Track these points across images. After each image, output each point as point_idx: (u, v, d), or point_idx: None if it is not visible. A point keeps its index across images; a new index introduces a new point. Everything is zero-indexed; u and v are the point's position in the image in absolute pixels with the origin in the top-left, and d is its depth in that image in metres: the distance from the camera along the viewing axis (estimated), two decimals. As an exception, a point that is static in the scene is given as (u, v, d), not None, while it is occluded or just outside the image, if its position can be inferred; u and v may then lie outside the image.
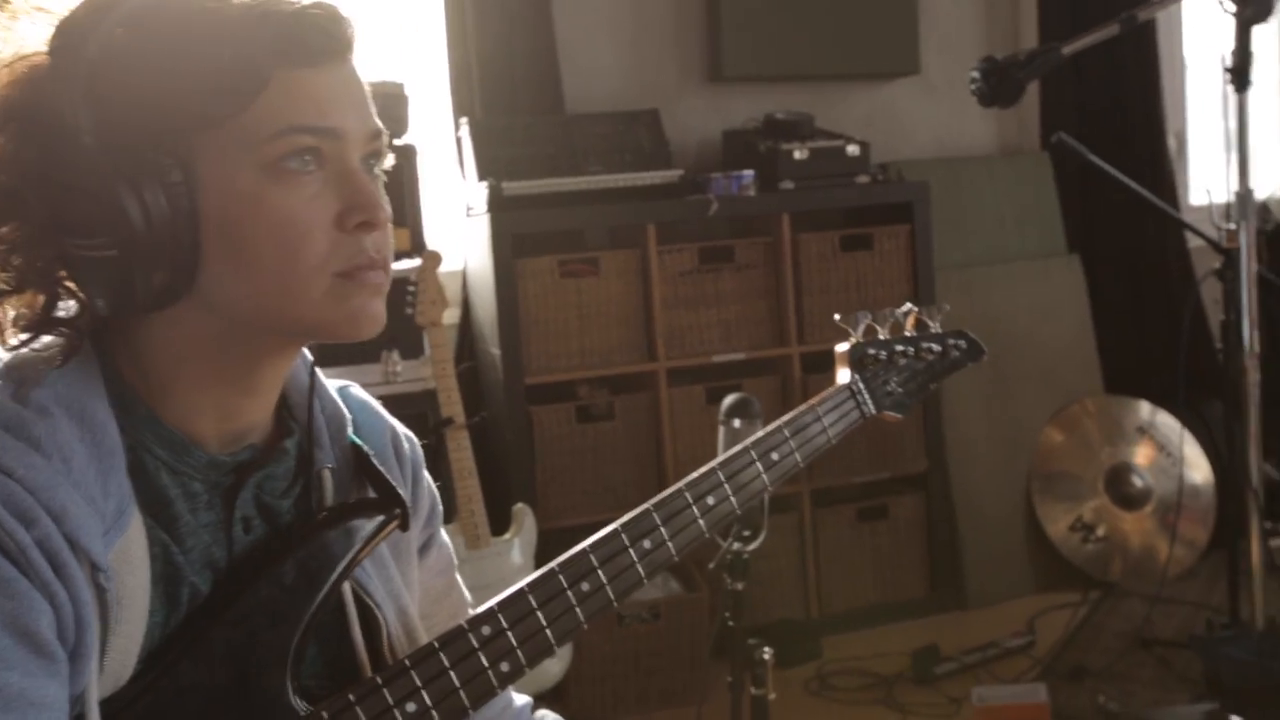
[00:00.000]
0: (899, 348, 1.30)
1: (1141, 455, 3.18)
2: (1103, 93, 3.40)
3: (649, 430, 2.79)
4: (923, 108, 3.40)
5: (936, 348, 1.34)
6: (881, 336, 1.31)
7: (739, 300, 2.90)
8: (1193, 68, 3.74)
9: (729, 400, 1.84)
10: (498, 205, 2.65)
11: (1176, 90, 3.64)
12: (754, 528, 1.81)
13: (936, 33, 3.33)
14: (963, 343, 1.37)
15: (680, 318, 2.84)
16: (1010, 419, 3.18)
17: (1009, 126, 3.47)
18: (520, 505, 2.45)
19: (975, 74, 2.25)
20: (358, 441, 0.90)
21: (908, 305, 1.37)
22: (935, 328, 1.37)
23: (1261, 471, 3.27)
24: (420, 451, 1.00)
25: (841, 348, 1.27)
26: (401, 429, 0.99)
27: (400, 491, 0.87)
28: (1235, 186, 2.18)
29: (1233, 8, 2.09)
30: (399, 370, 2.51)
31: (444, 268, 2.40)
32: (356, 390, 0.98)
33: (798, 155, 2.95)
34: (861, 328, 1.31)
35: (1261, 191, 3.79)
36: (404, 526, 0.86)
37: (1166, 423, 3.19)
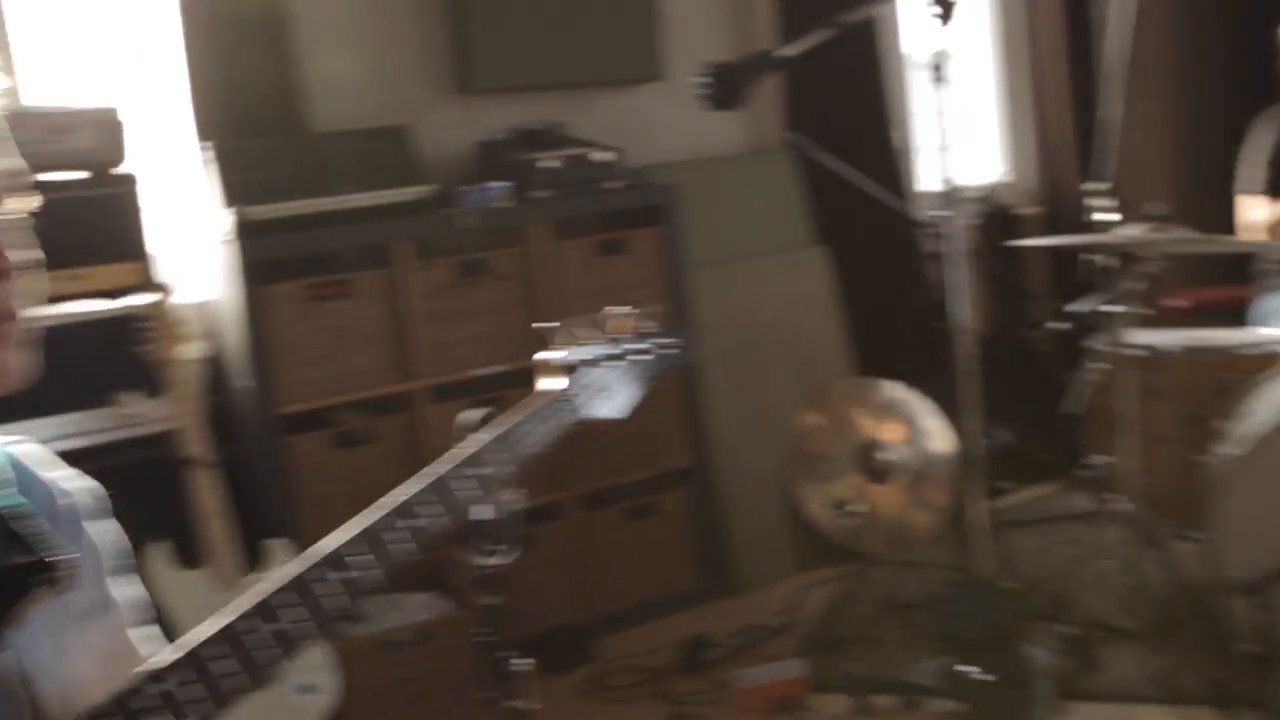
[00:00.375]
0: (607, 351, 1.34)
1: (890, 431, 3.37)
2: (838, 89, 3.58)
3: (413, 450, 2.78)
4: (672, 112, 3.49)
5: (647, 348, 1.40)
6: (590, 341, 1.35)
7: (498, 313, 2.92)
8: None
9: (467, 416, 1.85)
10: (244, 231, 2.59)
11: (902, 84, 3.86)
12: (505, 540, 1.83)
13: (681, 39, 3.43)
14: (673, 340, 1.43)
15: (440, 334, 2.83)
16: (769, 407, 3.33)
17: (755, 126, 3.61)
18: (273, 541, 2.39)
19: (700, 80, 2.35)
20: (10, 503, 0.86)
21: (623, 308, 1.42)
22: (651, 329, 1.43)
23: (997, 437, 3.54)
24: (86, 503, 0.96)
25: (547, 356, 1.31)
26: (65, 483, 0.95)
27: (54, 553, 0.84)
28: (947, 176, 2.35)
29: (936, 9, 2.25)
30: (139, 411, 2.40)
31: (193, 299, 2.31)
32: (20, 447, 0.94)
33: (549, 164, 2.99)
34: (569, 334, 1.35)
35: (986, 178, 4.12)
36: (58, 590, 0.83)
37: (911, 398, 3.40)
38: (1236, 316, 3.06)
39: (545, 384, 1.29)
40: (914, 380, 3.39)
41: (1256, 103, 2.97)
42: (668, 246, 3.11)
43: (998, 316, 3.85)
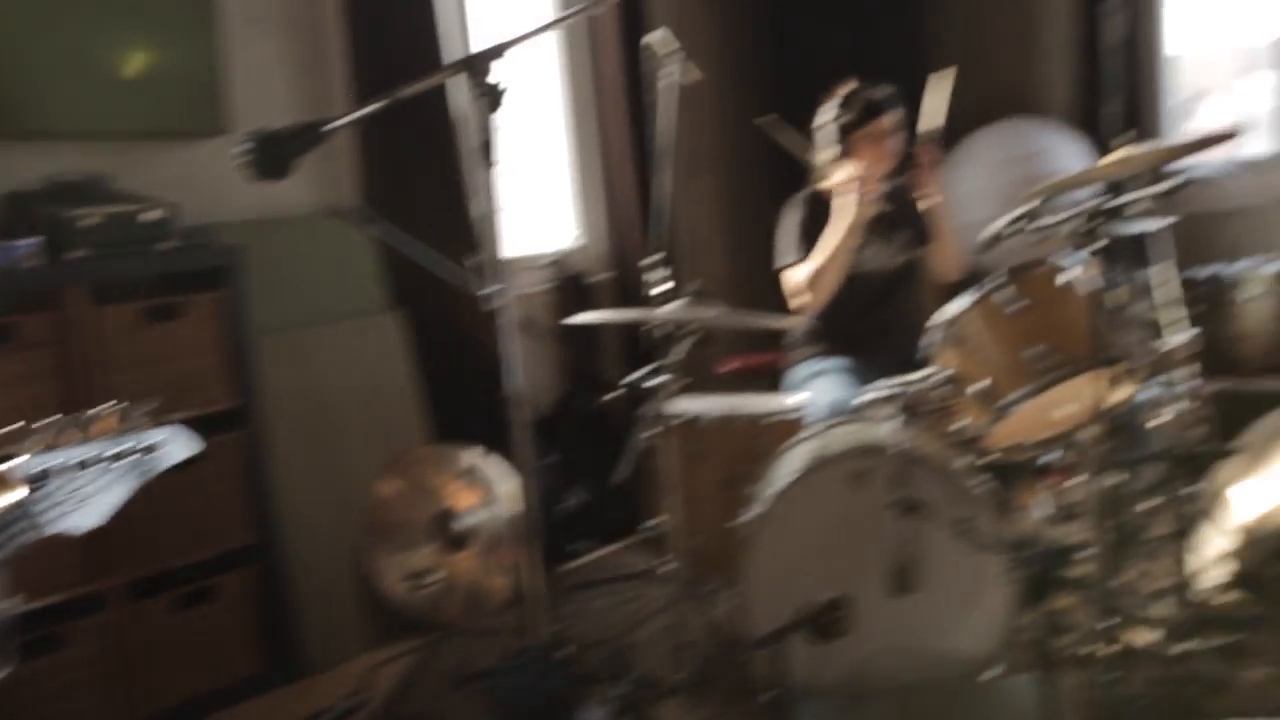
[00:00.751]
0: (83, 455, 1.24)
1: (467, 497, 3.39)
2: (415, 155, 3.58)
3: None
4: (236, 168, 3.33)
5: (134, 447, 1.30)
6: (66, 445, 1.24)
7: (28, 385, 2.62)
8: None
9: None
10: None
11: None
12: (-1, 655, 1.63)
13: (248, 92, 3.28)
14: (168, 436, 1.34)
15: (-48, 409, 2.49)
16: (342, 479, 3.24)
17: (328, 186, 3.53)
18: None
19: (241, 149, 2.24)
20: None
21: (109, 405, 1.31)
22: (140, 426, 1.33)
23: (573, 500, 3.64)
24: None
25: (5, 467, 1.18)
26: None
27: None
28: (499, 248, 2.39)
29: (484, 95, 2.30)
30: None
31: None
32: None
33: (90, 221, 2.74)
34: (41, 438, 1.23)
35: (561, 245, 4.29)
36: None
37: (488, 464, 3.44)
38: (779, 380, 3.37)
39: (5, 498, 1.17)
40: (490, 445, 3.44)
41: (796, 184, 3.32)
42: (229, 312, 2.95)
43: (571, 382, 4.01)
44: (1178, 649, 2.42)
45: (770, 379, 3.68)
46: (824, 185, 3.22)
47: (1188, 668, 2.40)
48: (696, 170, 4.66)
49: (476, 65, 2.05)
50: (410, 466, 3.38)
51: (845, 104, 3.15)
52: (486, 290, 2.47)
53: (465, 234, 3.61)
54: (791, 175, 3.51)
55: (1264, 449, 3.09)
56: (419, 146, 3.54)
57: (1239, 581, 2.82)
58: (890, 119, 3.12)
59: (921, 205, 3.19)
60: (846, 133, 3.13)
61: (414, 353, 3.52)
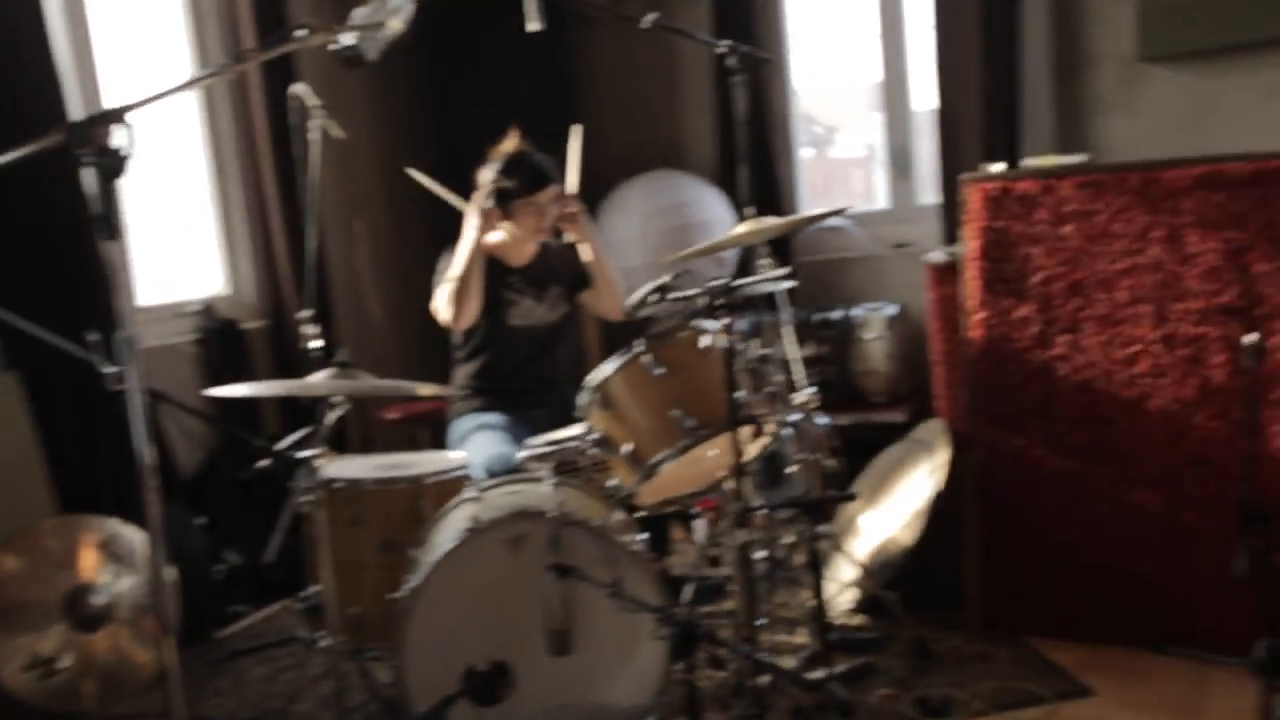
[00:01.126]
0: None
1: (103, 571, 3.12)
2: (31, 214, 3.24)
3: None
4: None
5: None
6: None
7: None
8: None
9: None
10: None
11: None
12: None
13: None
14: None
15: None
16: (-51, 562, 2.88)
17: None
18: None
19: None
20: None
21: None
22: None
23: (229, 563, 3.43)
24: None
25: None
26: None
27: None
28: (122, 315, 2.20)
29: (101, 164, 2.09)
30: None
31: None
32: None
33: None
34: None
35: (207, 291, 4.05)
36: None
37: (128, 533, 3.18)
38: (443, 427, 3.33)
39: None
40: (129, 513, 3.18)
41: (454, 226, 3.28)
42: None
43: (221, 440, 3.78)
44: (813, 676, 2.62)
45: (434, 426, 3.66)
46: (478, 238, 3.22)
47: (823, 693, 2.60)
48: (355, 213, 4.55)
49: (86, 131, 1.84)
50: (33, 541, 3.06)
51: (510, 170, 3.13)
52: (110, 369, 2.28)
53: (88, 303, 3.31)
54: (449, 219, 3.49)
55: (881, 483, 3.43)
56: (33, 205, 3.21)
57: (862, 608, 3.11)
58: (552, 192, 3.16)
59: (581, 255, 3.27)
60: (508, 199, 3.12)
61: (35, 417, 3.19)
